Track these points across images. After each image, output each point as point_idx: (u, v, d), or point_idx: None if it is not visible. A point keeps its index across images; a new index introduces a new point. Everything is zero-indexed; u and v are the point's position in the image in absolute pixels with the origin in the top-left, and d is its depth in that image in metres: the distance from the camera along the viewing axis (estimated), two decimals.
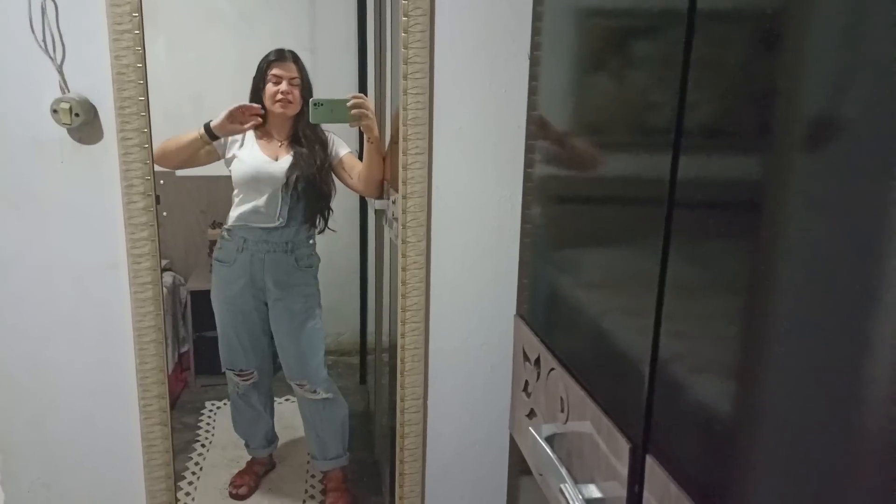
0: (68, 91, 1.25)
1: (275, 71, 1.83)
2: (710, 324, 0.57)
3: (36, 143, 1.27)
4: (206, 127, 1.77)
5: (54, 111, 1.22)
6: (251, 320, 1.96)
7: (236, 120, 1.76)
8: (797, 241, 0.47)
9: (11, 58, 1.23)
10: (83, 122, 1.24)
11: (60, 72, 1.24)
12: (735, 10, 0.55)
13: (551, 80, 0.98)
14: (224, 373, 2.04)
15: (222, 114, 1.75)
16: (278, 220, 1.87)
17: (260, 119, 1.79)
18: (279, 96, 1.83)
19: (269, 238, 1.88)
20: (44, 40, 1.23)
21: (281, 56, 1.84)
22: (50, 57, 1.24)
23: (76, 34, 1.24)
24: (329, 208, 1.94)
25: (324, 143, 1.90)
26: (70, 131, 1.27)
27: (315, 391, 1.98)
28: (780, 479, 0.47)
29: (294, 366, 1.97)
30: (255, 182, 1.85)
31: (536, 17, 1.01)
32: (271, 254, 1.89)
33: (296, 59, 1.86)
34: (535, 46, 1.06)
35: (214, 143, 1.82)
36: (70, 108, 1.22)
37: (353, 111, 1.64)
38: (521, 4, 1.27)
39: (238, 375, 2.02)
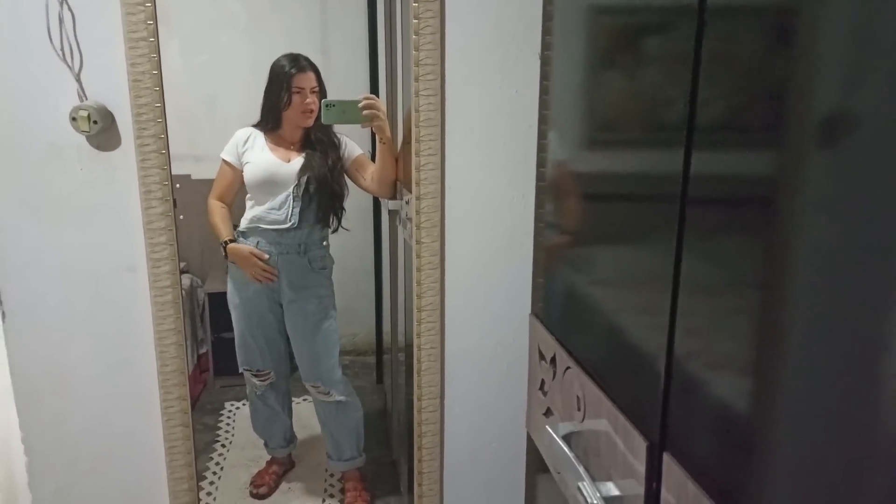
0: (86, 99, 1.27)
1: (296, 83, 1.83)
2: (725, 320, 0.57)
3: (55, 150, 1.30)
4: (224, 246, 1.90)
5: (73, 119, 1.25)
6: (266, 321, 1.98)
7: (250, 271, 1.89)
8: (811, 237, 0.46)
9: (31, 66, 1.25)
10: (101, 129, 1.26)
11: (78, 80, 1.26)
12: (746, 4, 0.55)
13: (562, 79, 0.98)
14: (242, 373, 2.06)
15: (238, 257, 1.89)
16: (290, 221, 1.88)
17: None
18: (304, 108, 1.84)
19: (282, 240, 1.90)
20: (62, 49, 1.25)
21: (300, 67, 1.84)
22: (68, 65, 1.26)
23: (93, 43, 1.26)
24: (342, 208, 1.95)
25: (336, 146, 1.91)
26: (88, 138, 1.29)
27: (328, 393, 1.99)
28: (798, 476, 0.47)
29: (309, 367, 1.98)
30: (268, 184, 1.87)
31: (547, 17, 1.01)
32: (284, 255, 1.91)
33: (313, 66, 1.86)
34: (545, 46, 1.06)
35: (230, 159, 1.91)
36: (88, 116, 1.24)
37: (365, 112, 1.65)
38: (531, 5, 1.28)
39: (255, 376, 2.04)
